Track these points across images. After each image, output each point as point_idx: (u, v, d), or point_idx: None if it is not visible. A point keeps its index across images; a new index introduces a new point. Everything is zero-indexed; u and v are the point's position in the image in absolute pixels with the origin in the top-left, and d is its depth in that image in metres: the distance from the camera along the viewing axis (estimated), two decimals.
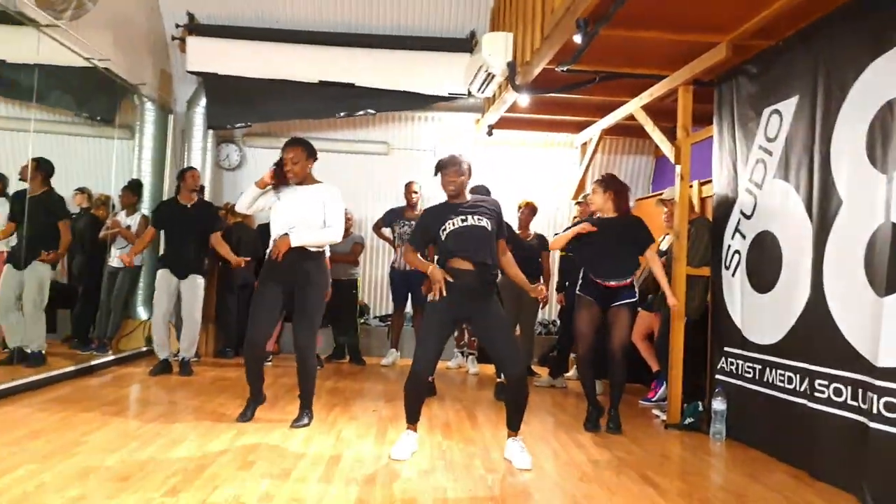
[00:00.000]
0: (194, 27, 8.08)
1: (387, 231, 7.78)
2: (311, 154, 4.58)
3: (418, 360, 3.92)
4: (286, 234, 4.44)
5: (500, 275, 4.13)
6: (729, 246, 5.07)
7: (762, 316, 4.63)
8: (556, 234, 5.58)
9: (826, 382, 3.91)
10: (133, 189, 7.51)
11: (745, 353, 4.77)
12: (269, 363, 6.73)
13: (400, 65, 8.13)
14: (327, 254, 4.78)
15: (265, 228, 4.73)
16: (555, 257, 7.45)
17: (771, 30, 4.57)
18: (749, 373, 4.71)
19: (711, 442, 4.79)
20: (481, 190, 5.12)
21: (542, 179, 8.84)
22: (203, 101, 8.23)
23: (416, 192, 7.59)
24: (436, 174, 4.08)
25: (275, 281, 4.52)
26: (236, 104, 8.30)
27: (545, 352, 7.95)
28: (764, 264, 4.65)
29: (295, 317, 4.56)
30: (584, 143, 8.24)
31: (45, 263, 5.93)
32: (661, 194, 6.12)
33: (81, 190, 7.46)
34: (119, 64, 6.92)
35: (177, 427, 4.31)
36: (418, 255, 4.12)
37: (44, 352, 5.94)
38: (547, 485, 3.62)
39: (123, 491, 3.07)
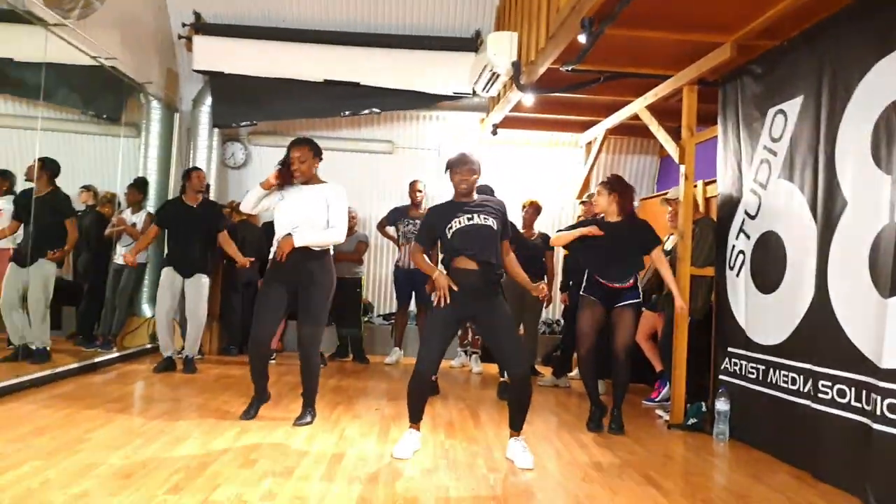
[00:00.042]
0: (201, 26, 8.11)
1: (391, 230, 7.80)
2: (318, 153, 4.60)
3: (422, 360, 3.92)
4: (289, 234, 4.44)
5: (503, 275, 4.12)
6: (733, 246, 5.06)
7: (766, 316, 4.62)
8: (560, 231, 5.55)
9: (830, 383, 3.89)
10: (138, 187, 7.54)
11: (749, 353, 4.77)
12: (273, 361, 6.73)
13: (405, 64, 8.14)
14: (332, 252, 4.79)
15: (270, 227, 4.74)
16: (559, 257, 7.45)
17: (776, 30, 4.56)
18: (753, 373, 4.70)
19: (715, 442, 4.78)
20: (486, 189, 5.11)
21: (547, 179, 8.83)
22: (209, 100, 8.26)
23: (420, 191, 7.60)
24: (447, 171, 4.07)
25: (279, 280, 4.54)
26: (242, 103, 8.33)
27: (549, 351, 7.96)
28: (768, 265, 4.64)
29: (299, 315, 4.57)
30: (589, 143, 8.23)
31: (50, 261, 5.95)
32: (665, 194, 6.11)
33: (87, 188, 7.51)
34: (126, 63, 6.96)
35: (180, 424, 4.33)
36: (425, 257, 4.12)
37: (48, 348, 5.96)
38: (549, 484, 3.62)
39: (126, 488, 3.08)
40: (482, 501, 3.28)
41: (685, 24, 4.71)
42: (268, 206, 4.66)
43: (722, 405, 4.82)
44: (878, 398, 3.46)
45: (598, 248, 4.92)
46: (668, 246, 5.88)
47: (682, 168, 5.47)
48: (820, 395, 3.97)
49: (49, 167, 6.07)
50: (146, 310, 7.65)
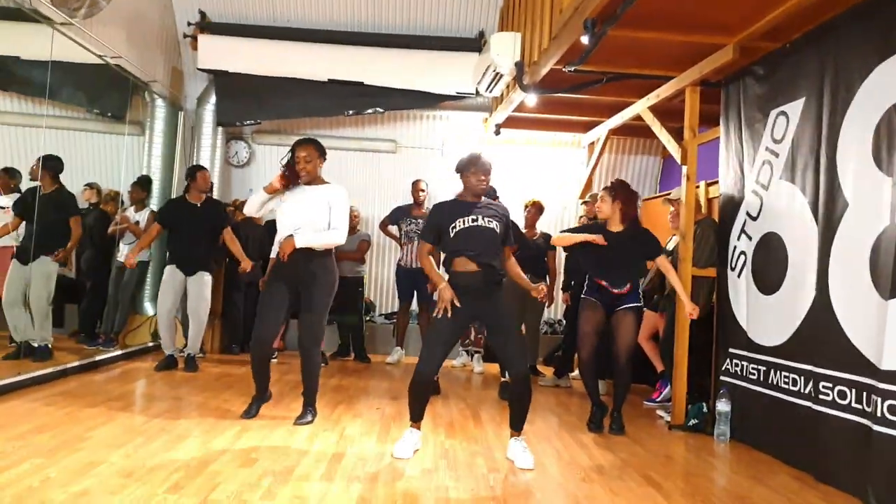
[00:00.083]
0: (206, 25, 8.15)
1: (393, 229, 7.81)
2: (322, 153, 4.61)
3: (424, 361, 3.91)
4: (291, 235, 4.45)
5: (505, 275, 4.12)
6: (735, 247, 5.06)
7: (767, 317, 4.62)
8: (563, 231, 5.55)
9: (830, 385, 3.89)
10: (142, 185, 7.55)
11: (750, 354, 4.77)
12: (275, 360, 6.75)
13: (409, 64, 8.17)
14: (334, 252, 4.80)
15: (272, 226, 4.76)
16: (561, 257, 7.45)
17: (778, 32, 4.55)
18: (754, 374, 4.70)
19: (715, 443, 4.78)
20: (489, 191, 5.11)
21: (549, 179, 8.84)
22: (213, 99, 8.30)
23: (423, 191, 7.61)
24: (460, 171, 4.06)
25: (282, 279, 4.55)
26: (246, 101, 8.37)
27: (550, 351, 7.96)
28: (769, 266, 4.64)
29: (300, 314, 4.58)
30: (592, 143, 8.23)
31: (50, 259, 5.96)
32: (668, 194, 6.11)
33: (90, 185, 7.52)
34: (131, 61, 6.99)
35: (181, 423, 4.34)
36: (433, 262, 4.10)
37: (50, 346, 5.97)
38: (549, 485, 3.62)
39: (127, 487, 3.09)
40: (482, 501, 3.28)
41: (688, 25, 4.71)
42: (272, 208, 4.68)
43: (723, 406, 4.82)
44: (879, 399, 3.46)
45: (599, 256, 4.90)
46: (670, 246, 5.87)
47: (684, 169, 5.47)
48: (821, 397, 3.97)
49: (50, 165, 6.09)
50: (148, 308, 7.67)
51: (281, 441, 4.09)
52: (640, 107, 6.33)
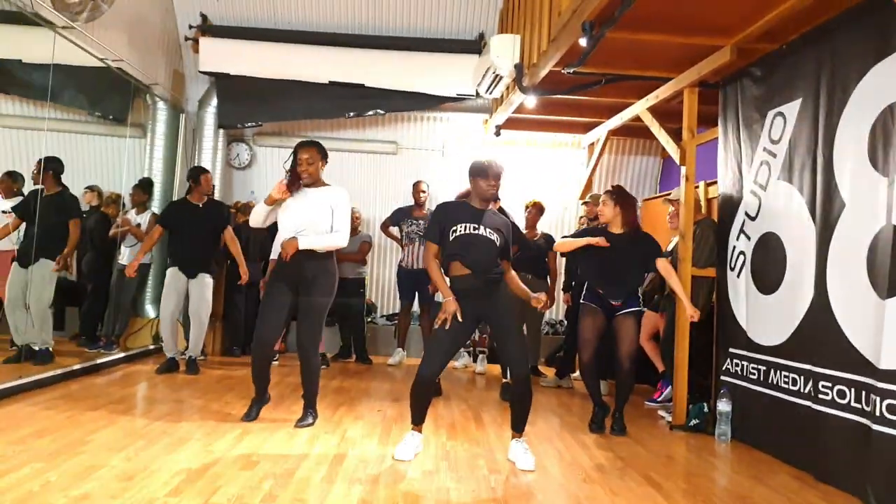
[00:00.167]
0: (207, 28, 8.17)
1: (394, 230, 7.82)
2: (324, 156, 4.62)
3: (426, 364, 3.91)
4: (294, 237, 4.46)
5: (502, 274, 4.10)
6: (734, 247, 5.07)
7: (767, 317, 4.63)
8: (565, 237, 5.57)
9: (830, 384, 3.90)
10: (144, 187, 7.57)
11: (750, 354, 4.77)
12: (276, 362, 6.76)
13: (409, 66, 8.19)
14: (334, 254, 4.81)
15: (274, 227, 4.77)
16: (561, 256, 7.45)
17: (775, 33, 4.57)
18: (754, 374, 4.71)
19: (716, 443, 4.79)
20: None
21: (550, 179, 8.84)
22: (214, 101, 8.31)
23: (424, 192, 7.63)
24: (472, 175, 4.04)
25: (283, 280, 4.56)
26: (247, 104, 8.39)
27: (552, 352, 7.96)
28: (768, 265, 4.65)
29: (299, 316, 4.59)
30: (592, 144, 8.24)
31: (51, 261, 5.97)
32: (668, 194, 6.12)
33: (91, 188, 7.53)
34: (133, 64, 7.00)
35: (183, 426, 4.35)
36: (441, 271, 4.07)
37: (51, 349, 5.99)
38: (550, 486, 3.63)
39: (128, 490, 3.10)
40: (483, 503, 3.29)
41: (685, 27, 4.73)
42: (275, 218, 4.68)
43: (723, 406, 4.83)
44: (878, 399, 3.47)
45: (601, 259, 4.91)
46: (670, 247, 5.87)
47: (683, 169, 5.48)
48: (820, 396, 3.97)
49: (51, 167, 6.10)
50: (149, 310, 7.68)
51: (282, 443, 4.10)
52: (639, 108, 6.34)
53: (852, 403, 3.72)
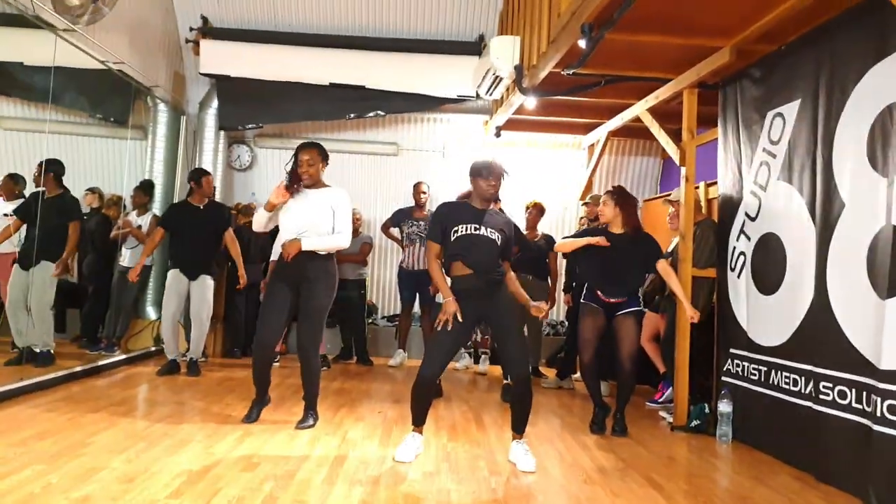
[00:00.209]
0: (208, 30, 8.19)
1: (395, 231, 7.83)
2: (325, 157, 4.63)
3: (427, 364, 3.91)
4: (297, 238, 4.47)
5: (503, 274, 4.10)
6: (734, 247, 5.07)
7: (767, 318, 4.63)
8: (566, 237, 5.57)
9: (831, 385, 3.90)
10: (145, 189, 7.58)
11: (751, 354, 4.77)
12: (277, 364, 6.76)
13: (409, 67, 8.21)
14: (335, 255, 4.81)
15: (275, 228, 4.78)
16: (562, 257, 7.46)
17: (774, 34, 4.56)
18: (755, 375, 4.71)
19: (718, 444, 4.79)
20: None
21: (550, 180, 8.84)
22: (215, 103, 8.32)
23: (424, 193, 7.64)
24: (473, 175, 4.04)
25: (283, 280, 4.56)
26: (248, 106, 8.40)
27: (553, 353, 7.96)
28: (768, 266, 4.65)
29: (299, 317, 4.59)
30: (592, 145, 8.25)
31: (52, 263, 5.98)
32: (668, 195, 6.12)
33: (92, 190, 7.54)
34: (133, 66, 7.02)
35: (184, 428, 4.35)
36: (442, 271, 4.08)
37: (52, 351, 6.00)
38: (551, 487, 3.63)
39: (128, 492, 3.11)
40: None
41: (684, 28, 4.73)
42: (278, 221, 4.68)
43: (724, 407, 4.83)
44: (878, 399, 3.47)
45: (602, 259, 4.91)
46: (670, 247, 5.87)
47: (683, 170, 5.48)
48: (821, 397, 3.97)
49: (53, 169, 6.11)
50: (150, 312, 7.69)
51: (283, 445, 4.11)
52: (639, 109, 6.35)
53: (853, 404, 3.72)
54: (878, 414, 3.46)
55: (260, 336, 4.57)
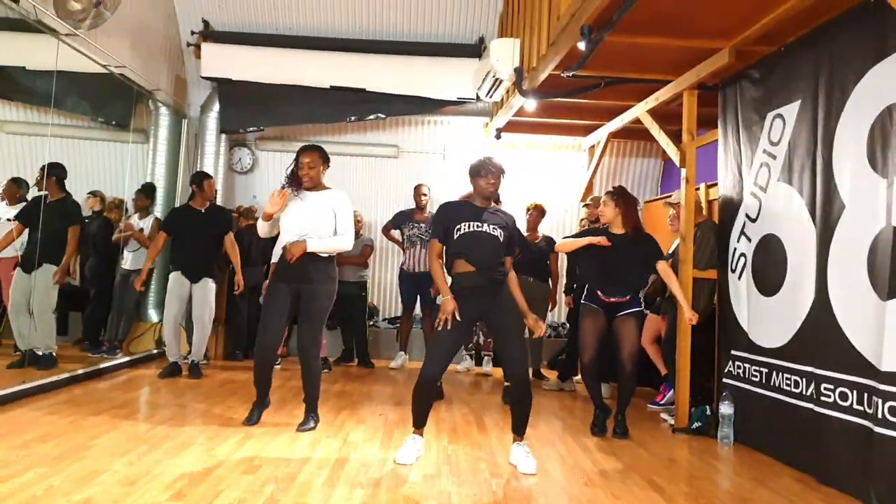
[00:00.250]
0: (209, 34, 8.23)
1: (396, 233, 7.84)
2: (326, 160, 4.65)
3: (429, 364, 3.91)
4: (303, 239, 4.47)
5: (506, 275, 4.10)
6: (735, 249, 5.07)
7: (768, 319, 4.62)
8: (566, 237, 5.58)
9: (832, 386, 3.90)
10: (146, 192, 7.60)
11: (752, 356, 4.77)
12: (278, 366, 6.77)
13: (410, 70, 8.23)
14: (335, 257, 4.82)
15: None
16: (563, 259, 7.46)
17: (773, 35, 4.57)
18: (756, 376, 4.70)
19: (719, 446, 4.78)
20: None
21: (551, 182, 8.85)
22: (216, 106, 8.35)
23: (425, 195, 7.65)
24: (472, 174, 4.07)
25: (284, 282, 4.57)
26: (249, 109, 8.43)
27: (554, 355, 7.95)
28: (769, 267, 4.65)
29: (299, 319, 4.60)
30: (592, 146, 8.26)
31: (54, 266, 5.99)
32: (669, 196, 6.12)
33: (94, 193, 7.56)
34: (135, 70, 7.05)
35: (185, 430, 4.36)
36: (443, 271, 4.09)
37: (54, 354, 6.01)
38: (552, 489, 3.63)
39: (130, 495, 3.11)
40: None
41: (684, 30, 4.74)
42: (278, 228, 4.69)
43: (726, 408, 4.82)
44: (879, 401, 3.46)
45: (603, 259, 4.91)
46: (671, 249, 5.87)
47: (683, 171, 5.49)
48: (822, 399, 3.97)
49: (54, 173, 6.13)
50: (152, 315, 7.71)
51: (284, 447, 4.11)
52: (639, 110, 6.35)
53: (854, 406, 3.72)
54: (880, 416, 3.46)
55: (261, 338, 4.57)
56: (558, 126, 8.03)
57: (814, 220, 4.16)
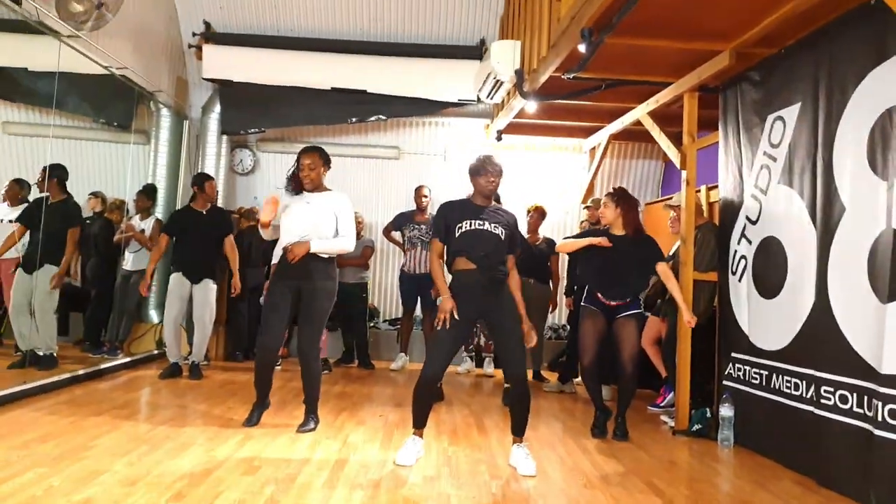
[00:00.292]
0: (210, 35, 8.25)
1: (397, 235, 7.84)
2: (327, 162, 4.66)
3: (429, 364, 3.92)
4: (308, 240, 4.48)
5: (507, 274, 4.10)
6: (735, 251, 5.07)
7: (768, 321, 4.62)
8: (567, 238, 5.58)
9: (832, 389, 3.89)
10: (147, 193, 7.61)
11: (752, 358, 4.77)
12: (279, 367, 6.77)
13: (411, 72, 8.24)
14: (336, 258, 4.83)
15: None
16: (564, 261, 7.47)
17: (773, 38, 4.57)
18: (756, 379, 4.70)
19: (719, 448, 4.78)
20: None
21: (551, 184, 8.85)
22: (218, 108, 8.37)
23: (426, 196, 7.65)
24: (472, 174, 4.08)
25: (284, 282, 4.58)
26: (250, 110, 8.45)
27: (554, 356, 7.95)
28: (769, 269, 4.64)
29: (299, 320, 4.60)
30: (593, 148, 8.26)
31: (55, 267, 5.99)
32: (670, 199, 6.12)
33: (95, 194, 7.57)
34: (137, 71, 7.06)
35: (186, 431, 4.36)
36: (443, 270, 4.08)
37: (55, 355, 6.01)
38: (551, 491, 3.63)
39: (130, 496, 3.11)
40: None
41: (684, 32, 4.74)
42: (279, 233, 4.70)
43: (726, 411, 4.82)
44: (880, 404, 3.46)
45: (603, 260, 4.91)
46: (672, 251, 5.87)
47: (684, 174, 5.49)
48: (822, 401, 3.96)
49: (56, 174, 6.13)
50: (153, 316, 7.71)
51: (284, 448, 4.11)
52: (640, 112, 6.35)
53: (854, 408, 3.72)
54: (880, 418, 3.45)
55: (263, 339, 4.58)
56: (559, 128, 8.04)
57: (814, 222, 4.16)
